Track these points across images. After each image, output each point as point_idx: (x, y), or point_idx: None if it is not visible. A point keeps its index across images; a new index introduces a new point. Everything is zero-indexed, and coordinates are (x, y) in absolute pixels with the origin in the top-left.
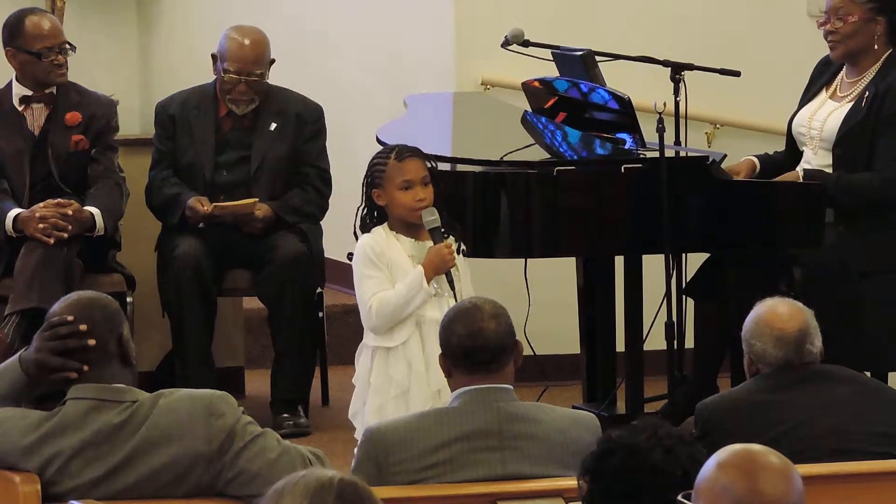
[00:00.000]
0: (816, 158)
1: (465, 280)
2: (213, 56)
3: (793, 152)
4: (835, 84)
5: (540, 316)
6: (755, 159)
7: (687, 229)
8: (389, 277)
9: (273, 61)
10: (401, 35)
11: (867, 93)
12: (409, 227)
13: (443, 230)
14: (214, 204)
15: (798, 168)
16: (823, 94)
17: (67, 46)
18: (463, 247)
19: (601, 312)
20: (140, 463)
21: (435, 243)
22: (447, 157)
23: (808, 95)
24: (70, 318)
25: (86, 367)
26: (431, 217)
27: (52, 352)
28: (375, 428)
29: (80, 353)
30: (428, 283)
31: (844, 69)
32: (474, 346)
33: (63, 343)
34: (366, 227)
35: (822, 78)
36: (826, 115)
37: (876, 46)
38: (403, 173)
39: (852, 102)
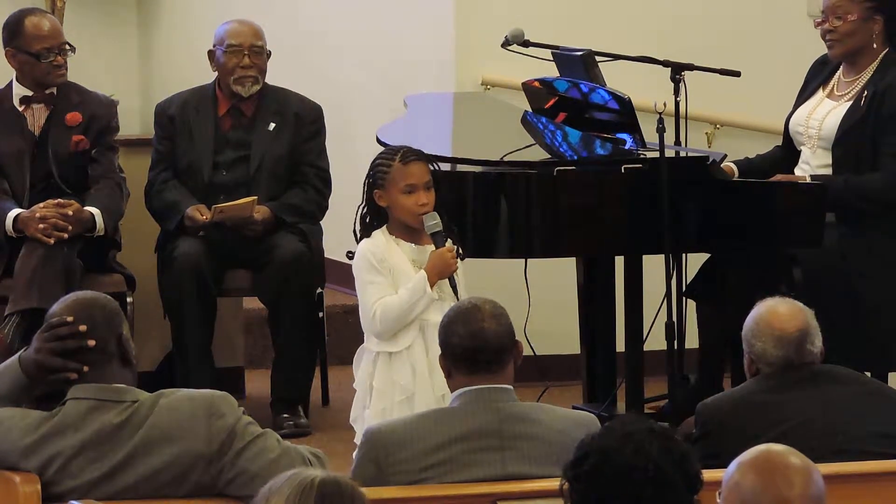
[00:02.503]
0: (815, 158)
1: (461, 284)
2: (210, 52)
3: (789, 152)
4: (832, 83)
5: (540, 316)
6: (733, 166)
7: (687, 229)
8: (391, 283)
9: (269, 53)
10: (401, 35)
11: (866, 92)
12: (409, 231)
13: (444, 234)
14: (214, 206)
15: (797, 170)
16: (820, 94)
17: (67, 47)
18: (460, 250)
19: (601, 312)
20: (140, 463)
21: (437, 247)
22: (447, 158)
23: (804, 95)
24: (70, 318)
25: (86, 368)
26: (433, 221)
27: (52, 352)
28: (375, 428)
29: (79, 353)
30: (431, 287)
31: (842, 68)
32: (475, 347)
33: (63, 344)
34: (365, 227)
35: (818, 78)
36: (824, 114)
37: (875, 45)
38: (407, 177)
39: (851, 101)
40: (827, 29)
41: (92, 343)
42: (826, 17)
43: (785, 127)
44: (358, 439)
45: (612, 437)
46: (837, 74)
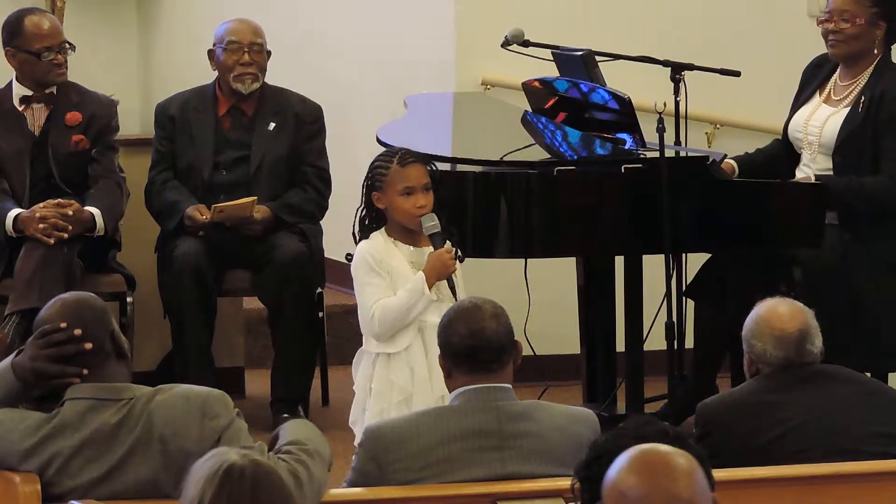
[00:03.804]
0: (815, 164)
1: (459, 286)
2: (210, 52)
3: (788, 154)
4: (828, 87)
5: (540, 316)
6: (733, 162)
7: (687, 229)
8: (390, 284)
9: (270, 53)
10: (401, 35)
11: (863, 97)
12: (408, 233)
13: (442, 235)
14: (214, 206)
15: (798, 172)
16: (817, 98)
17: (67, 46)
18: (459, 251)
19: (601, 312)
20: (137, 462)
21: (435, 249)
22: (447, 158)
23: (800, 99)
24: (63, 324)
25: (85, 371)
26: (431, 223)
27: (49, 359)
28: (375, 427)
29: (77, 358)
30: (430, 288)
31: (838, 71)
32: (476, 346)
33: (60, 350)
34: (364, 229)
35: (813, 81)
36: (823, 120)
37: (875, 50)
38: (405, 179)
39: (849, 107)
40: (832, 30)
41: (89, 346)
42: (831, 17)
43: (784, 131)
44: (357, 441)
45: (625, 440)
46: (834, 78)
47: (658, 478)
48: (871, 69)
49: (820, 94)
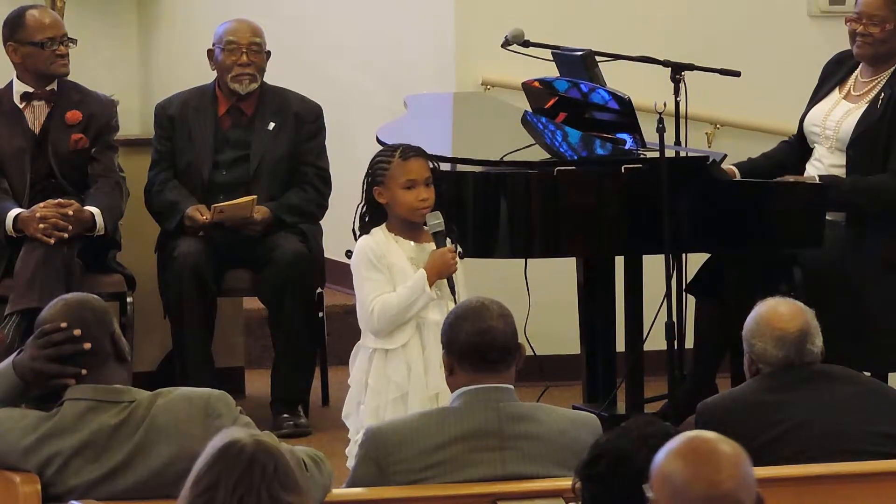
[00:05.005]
0: (831, 158)
1: (461, 283)
2: (210, 51)
3: (801, 148)
4: (848, 84)
5: (540, 316)
6: (735, 169)
7: (687, 229)
8: (389, 280)
9: (269, 53)
10: (401, 35)
11: (882, 94)
12: (408, 229)
13: (445, 234)
14: (213, 206)
15: (808, 167)
16: (837, 94)
17: (69, 39)
18: (459, 249)
19: (601, 312)
20: (139, 464)
21: (438, 247)
22: (447, 157)
23: (819, 94)
24: (63, 324)
25: (84, 371)
26: (436, 221)
27: (49, 359)
28: (377, 427)
29: (76, 357)
30: (430, 286)
31: (860, 68)
32: (484, 344)
33: (59, 350)
34: (364, 225)
35: (834, 77)
36: (841, 116)
37: None
38: (407, 172)
39: (867, 104)
40: (860, 32)
41: (88, 346)
42: (860, 19)
43: (799, 125)
44: (351, 435)
45: (627, 440)
46: (855, 75)
47: (703, 466)
48: (893, 68)
49: (840, 91)
